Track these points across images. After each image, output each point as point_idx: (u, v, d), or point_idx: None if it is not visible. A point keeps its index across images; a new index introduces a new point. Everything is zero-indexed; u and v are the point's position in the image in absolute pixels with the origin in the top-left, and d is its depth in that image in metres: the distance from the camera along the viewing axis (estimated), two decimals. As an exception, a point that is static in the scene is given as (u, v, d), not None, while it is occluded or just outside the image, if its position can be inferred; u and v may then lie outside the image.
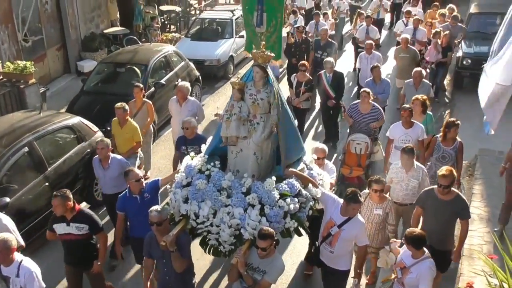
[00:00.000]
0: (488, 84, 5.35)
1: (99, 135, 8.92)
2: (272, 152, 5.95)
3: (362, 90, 9.10)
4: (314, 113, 12.47)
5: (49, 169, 7.88)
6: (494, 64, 5.31)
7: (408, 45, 12.00)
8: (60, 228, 5.90)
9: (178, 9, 18.80)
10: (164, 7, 18.49)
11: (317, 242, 6.12)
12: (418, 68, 10.41)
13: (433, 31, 12.81)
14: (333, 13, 16.88)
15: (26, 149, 7.59)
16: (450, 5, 15.41)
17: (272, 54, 5.60)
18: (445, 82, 13.50)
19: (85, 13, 15.06)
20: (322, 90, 10.61)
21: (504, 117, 5.80)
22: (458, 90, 13.60)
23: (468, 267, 7.08)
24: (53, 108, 11.27)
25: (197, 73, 13.04)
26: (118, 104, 8.46)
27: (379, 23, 16.51)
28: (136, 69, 11.58)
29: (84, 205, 8.38)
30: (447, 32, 12.65)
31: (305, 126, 11.53)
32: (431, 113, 8.76)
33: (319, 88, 10.76)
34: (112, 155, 7.41)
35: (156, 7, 17.88)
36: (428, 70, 12.03)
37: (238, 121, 5.62)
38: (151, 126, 9.72)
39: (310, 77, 10.74)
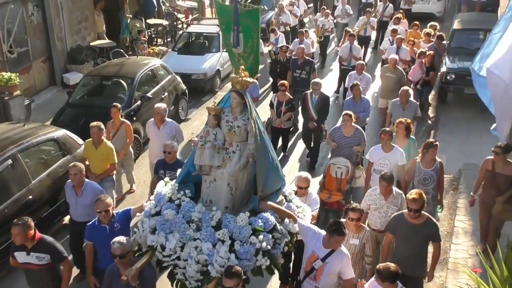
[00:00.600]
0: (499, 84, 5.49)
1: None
2: (249, 183, 5.62)
3: (344, 113, 8.92)
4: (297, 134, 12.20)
5: (33, 182, 7.79)
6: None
7: (396, 65, 11.89)
8: (20, 257, 5.63)
9: (165, 22, 18.84)
10: (151, 21, 18.52)
11: (298, 277, 5.79)
12: (406, 87, 10.29)
13: (418, 51, 12.73)
14: (318, 31, 16.67)
15: (9, 161, 7.51)
16: (432, 23, 15.49)
17: (252, 80, 5.38)
18: (430, 96, 13.55)
19: (71, 25, 15.02)
20: (305, 110, 10.38)
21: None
22: (442, 105, 13.76)
23: (453, 280, 7.13)
24: (38, 120, 11.18)
25: (184, 87, 13.04)
26: (93, 123, 8.17)
27: (365, 41, 16.55)
28: (123, 82, 11.55)
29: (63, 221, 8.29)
30: (431, 52, 12.59)
31: (289, 146, 11.39)
32: (414, 138, 8.57)
33: (302, 108, 10.53)
34: (86, 180, 7.01)
35: (143, 20, 17.90)
36: (411, 90, 12.04)
37: (213, 149, 5.36)
38: (130, 147, 9.49)
39: (291, 97, 10.62)
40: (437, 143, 7.59)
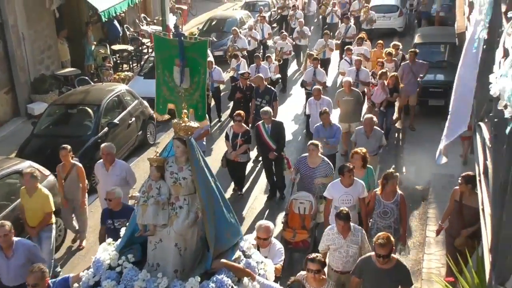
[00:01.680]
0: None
1: (51, 179, 8.68)
2: (200, 240, 4.98)
3: (309, 142, 8.49)
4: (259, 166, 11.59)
5: (-2, 216, 7.55)
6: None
7: (352, 87, 11.48)
8: None
9: (130, 48, 18.74)
10: (116, 47, 18.40)
11: None
12: (369, 115, 9.91)
13: (379, 72, 12.40)
14: (276, 54, 16.10)
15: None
16: (394, 42, 15.33)
17: (196, 125, 4.91)
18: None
19: (34, 55, 14.79)
20: (261, 142, 9.93)
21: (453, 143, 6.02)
22: (408, 116, 13.94)
23: (428, 291, 7.16)
24: (2, 153, 10.88)
25: (151, 111, 12.93)
26: (27, 170, 7.68)
27: (325, 63, 16.05)
28: (89, 109, 11.40)
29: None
30: (394, 73, 12.36)
31: (248, 181, 10.91)
32: (371, 167, 8.13)
33: (258, 140, 10.07)
34: (15, 239, 6.37)
35: (107, 46, 17.77)
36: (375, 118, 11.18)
37: (157, 206, 4.72)
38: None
39: (247, 128, 10.12)
40: (397, 174, 7.27)
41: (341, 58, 17.12)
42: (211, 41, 19.10)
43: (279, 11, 22.54)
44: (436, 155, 6.54)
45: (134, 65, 18.52)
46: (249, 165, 11.06)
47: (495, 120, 3.73)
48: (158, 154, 4.99)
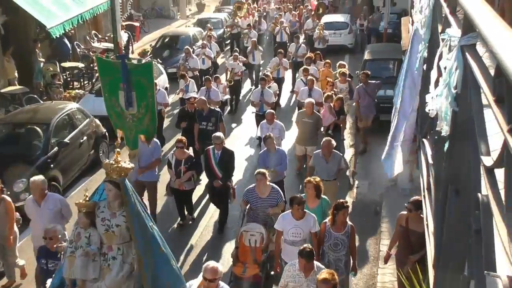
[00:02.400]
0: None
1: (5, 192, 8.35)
2: None
3: (256, 172, 8.04)
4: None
5: None
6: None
7: (313, 110, 11.14)
8: None
9: (81, 65, 18.43)
10: (66, 64, 18.06)
11: None
12: (327, 138, 9.39)
13: (325, 94, 12.17)
14: (227, 75, 15.87)
15: None
16: (340, 62, 15.18)
17: (130, 166, 4.56)
18: (348, 125, 13.75)
19: (-21, 73, 14.36)
20: (208, 168, 9.46)
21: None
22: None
23: (382, 304, 7.25)
24: None
25: (104, 130, 12.71)
26: None
27: (279, 83, 15.76)
28: (37, 128, 11.11)
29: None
30: (340, 95, 12.16)
31: (196, 211, 10.43)
32: (326, 197, 7.66)
33: (205, 165, 9.59)
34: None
35: (57, 64, 17.41)
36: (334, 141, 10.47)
37: (86, 258, 4.28)
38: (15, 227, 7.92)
39: (190, 154, 9.78)
40: (348, 204, 7.11)
41: (293, 77, 17.28)
42: (164, 57, 19.04)
43: (228, 29, 22.46)
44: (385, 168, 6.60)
45: (85, 82, 18.21)
46: (198, 192, 10.76)
47: (435, 137, 3.86)
48: (87, 198, 4.54)
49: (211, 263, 5.38)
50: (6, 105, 14.67)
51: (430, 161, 4.20)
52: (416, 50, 5.00)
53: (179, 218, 9.95)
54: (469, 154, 2.59)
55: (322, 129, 11.41)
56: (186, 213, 9.97)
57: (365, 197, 10.64)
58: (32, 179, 7.90)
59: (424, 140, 4.96)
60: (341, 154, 9.62)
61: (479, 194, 2.21)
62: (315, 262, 6.08)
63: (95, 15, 18.80)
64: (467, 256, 2.67)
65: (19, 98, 15.04)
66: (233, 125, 15.22)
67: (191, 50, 17.22)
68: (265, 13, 25.45)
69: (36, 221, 7.59)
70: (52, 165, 10.43)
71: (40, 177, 7.88)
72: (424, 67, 4.94)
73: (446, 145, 3.18)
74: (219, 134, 9.61)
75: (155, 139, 8.96)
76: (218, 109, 11.79)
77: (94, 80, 16.33)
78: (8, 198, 7.74)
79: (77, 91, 16.64)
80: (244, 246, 7.61)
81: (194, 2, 36.17)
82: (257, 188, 7.93)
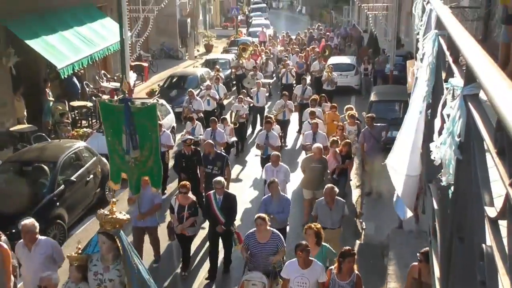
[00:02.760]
0: (400, 178, 5.61)
1: (3, 239, 8.34)
2: None
3: (256, 216, 7.89)
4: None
5: None
6: (396, 157, 5.63)
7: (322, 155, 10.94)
8: None
9: (89, 104, 18.66)
10: (75, 103, 18.30)
11: None
12: (330, 185, 9.22)
13: (331, 139, 11.91)
14: (232, 117, 15.69)
15: None
16: (347, 106, 15.01)
17: (126, 217, 4.48)
18: (354, 166, 13.68)
19: (-12, 112, 14.57)
20: (210, 213, 9.20)
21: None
22: (365, 172, 14.16)
23: None
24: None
25: (110, 168, 12.76)
26: None
27: (284, 125, 15.81)
28: (45, 167, 11.19)
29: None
30: (347, 140, 11.97)
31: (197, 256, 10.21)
32: (327, 245, 7.43)
33: (207, 211, 9.37)
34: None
35: (66, 103, 17.65)
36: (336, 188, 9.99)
37: None
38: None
39: (193, 199, 9.33)
40: (355, 251, 7.05)
41: (299, 119, 16.90)
42: (172, 97, 19.23)
43: (233, 70, 22.69)
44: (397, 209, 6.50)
45: (93, 121, 18.40)
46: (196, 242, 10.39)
47: (440, 183, 3.86)
48: (80, 251, 4.36)
49: None
50: (15, 143, 14.81)
51: (435, 206, 4.19)
52: (418, 94, 5.06)
53: (179, 268, 9.68)
54: (473, 203, 2.59)
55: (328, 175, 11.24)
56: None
57: (371, 239, 10.54)
58: (22, 222, 7.53)
59: (430, 185, 4.95)
60: (344, 201, 9.36)
61: (483, 245, 2.20)
62: None
63: (105, 55, 19.19)
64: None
65: (28, 136, 15.19)
66: (239, 167, 15.11)
67: (198, 91, 17.39)
68: (271, 55, 25.53)
69: (27, 266, 7.31)
70: (58, 203, 10.50)
71: (30, 220, 7.47)
72: (428, 113, 4.99)
73: (451, 192, 3.19)
74: (220, 178, 9.31)
75: None
76: (224, 153, 11.65)
77: (101, 119, 16.47)
78: (5, 245, 7.23)
79: (85, 129, 16.79)
80: None
81: (202, 43, 36.81)
82: (257, 233, 7.77)
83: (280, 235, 7.87)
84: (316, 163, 10.83)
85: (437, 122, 3.38)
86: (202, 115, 16.11)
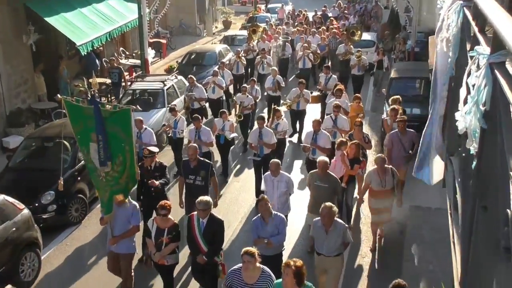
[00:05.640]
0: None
1: (25, 212, 8.56)
2: None
3: (243, 251, 6.08)
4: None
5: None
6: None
7: (328, 171, 8.78)
8: None
9: (108, 81, 18.77)
10: (94, 80, 18.38)
11: None
12: (328, 203, 7.20)
13: (338, 140, 10.27)
14: (236, 109, 13.88)
15: None
16: (394, 96, 12.59)
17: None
18: (373, 143, 12.89)
19: (10, 89, 14.73)
20: (191, 238, 7.32)
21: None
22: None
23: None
24: (-25, 187, 10.71)
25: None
26: None
27: (299, 116, 14.17)
28: (66, 142, 11.32)
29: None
30: (355, 141, 9.96)
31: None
32: (309, 284, 5.78)
33: (188, 236, 7.40)
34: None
35: (84, 80, 17.77)
36: (336, 208, 7.84)
37: None
38: None
39: (175, 222, 7.57)
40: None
41: (322, 112, 15.10)
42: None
43: (243, 54, 19.49)
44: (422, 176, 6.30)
45: (112, 98, 18.52)
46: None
47: (463, 155, 3.83)
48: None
49: None
50: (36, 120, 15.02)
51: (458, 178, 4.17)
52: (441, 67, 5.00)
53: None
54: (497, 171, 2.57)
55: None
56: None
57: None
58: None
59: (452, 157, 4.93)
60: (346, 226, 7.52)
61: (508, 210, 2.19)
62: None
63: (123, 32, 19.21)
64: (495, 275, 2.63)
65: (48, 113, 15.39)
66: (239, 167, 13.39)
67: (217, 67, 17.24)
68: (289, 38, 22.49)
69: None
70: (79, 178, 10.69)
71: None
72: (452, 84, 4.94)
73: (474, 163, 3.17)
74: (205, 199, 7.24)
75: (133, 202, 7.66)
76: (208, 161, 9.40)
77: (121, 96, 16.57)
78: None
79: (104, 106, 16.89)
80: None
81: (220, 20, 36.65)
82: (244, 271, 6.07)
83: (272, 275, 6.14)
84: (321, 182, 8.69)
85: (462, 92, 3.34)
86: (204, 103, 14.80)
